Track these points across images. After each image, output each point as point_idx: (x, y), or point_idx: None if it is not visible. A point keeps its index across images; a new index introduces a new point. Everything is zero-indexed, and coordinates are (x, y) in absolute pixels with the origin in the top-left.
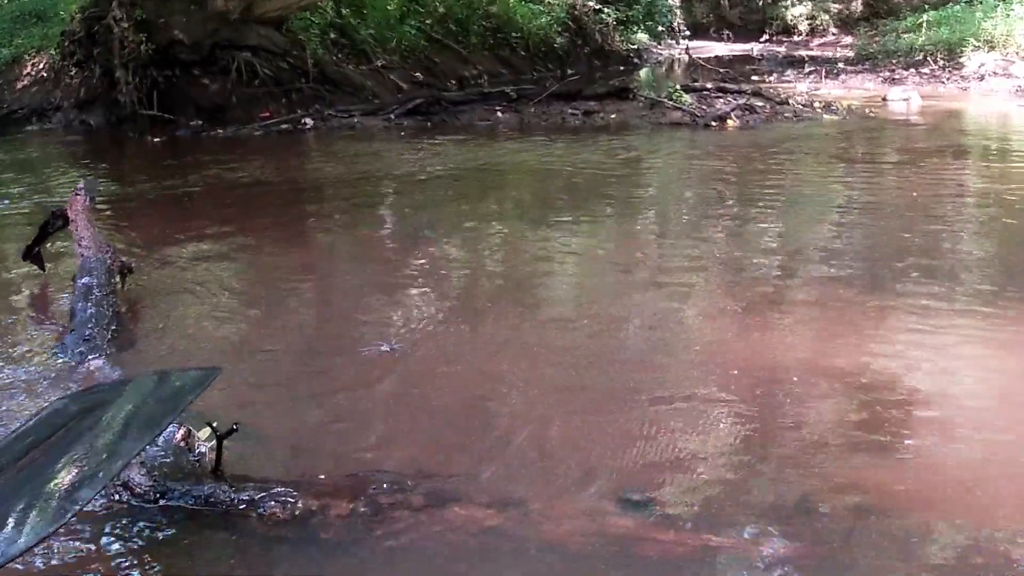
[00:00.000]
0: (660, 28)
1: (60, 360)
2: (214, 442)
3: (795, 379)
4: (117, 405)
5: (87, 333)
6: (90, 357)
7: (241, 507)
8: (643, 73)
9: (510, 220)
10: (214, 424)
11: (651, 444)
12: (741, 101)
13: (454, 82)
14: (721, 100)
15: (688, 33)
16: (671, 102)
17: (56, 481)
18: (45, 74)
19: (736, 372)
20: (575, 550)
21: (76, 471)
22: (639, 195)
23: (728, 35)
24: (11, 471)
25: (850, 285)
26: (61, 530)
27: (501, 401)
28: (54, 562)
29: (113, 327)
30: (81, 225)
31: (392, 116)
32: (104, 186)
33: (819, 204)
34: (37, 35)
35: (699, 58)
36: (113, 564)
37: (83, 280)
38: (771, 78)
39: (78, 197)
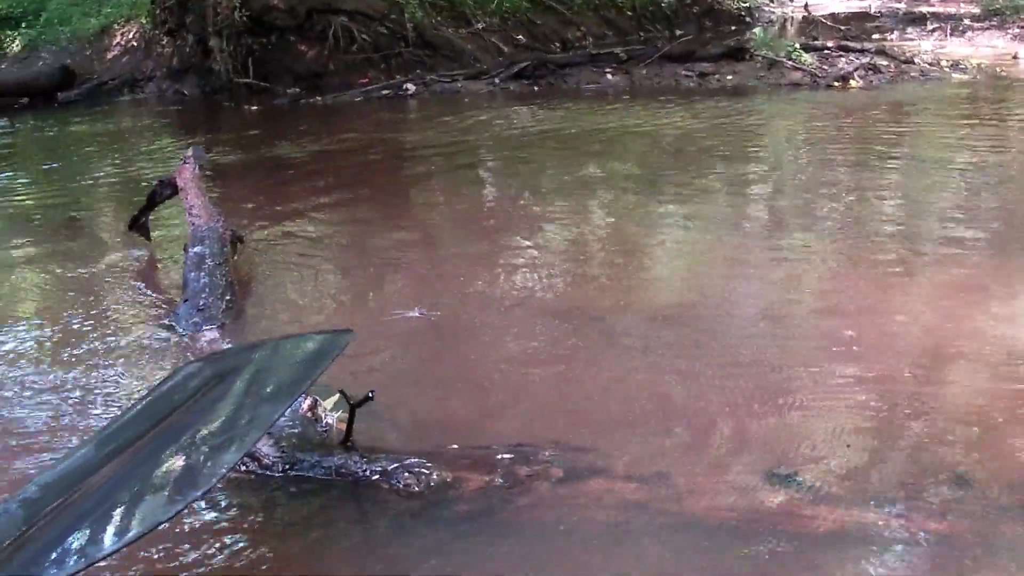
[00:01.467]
0: None
1: (174, 330)
2: (340, 412)
3: (941, 352)
4: (250, 370)
5: (201, 303)
6: (205, 328)
7: (373, 478)
8: (756, 32)
9: (625, 190)
10: (347, 393)
11: (798, 418)
12: (864, 60)
13: (557, 44)
14: (843, 59)
15: None
16: (790, 62)
17: (197, 448)
18: (135, 43)
19: (878, 345)
20: (721, 525)
21: (216, 438)
22: (758, 159)
23: None
24: (151, 436)
25: (987, 253)
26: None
27: (637, 373)
28: (182, 530)
29: (227, 297)
30: (191, 194)
31: (497, 80)
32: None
33: (950, 167)
34: (126, 3)
35: (814, 15)
36: (241, 535)
37: (195, 249)
38: (892, 36)
39: (187, 165)
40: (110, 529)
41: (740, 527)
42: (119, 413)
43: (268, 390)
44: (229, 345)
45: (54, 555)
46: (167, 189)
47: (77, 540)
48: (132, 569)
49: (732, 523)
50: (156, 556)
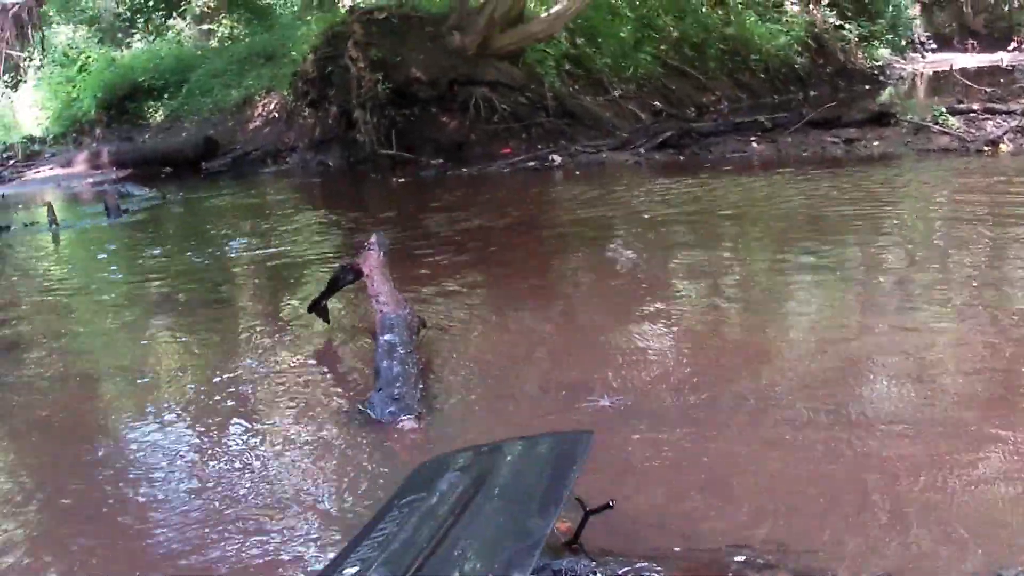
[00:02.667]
0: (903, 42)
1: (369, 418)
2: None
3: None
4: (502, 477)
5: (395, 392)
6: (402, 417)
7: None
8: (888, 92)
9: (788, 265)
10: (582, 500)
11: (1011, 507)
12: (1013, 123)
13: (692, 109)
14: (990, 122)
15: (934, 45)
16: (937, 126)
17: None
18: (277, 114)
19: None
20: None
21: (496, 555)
22: (915, 230)
23: (972, 44)
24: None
25: None
26: None
27: (837, 462)
28: None
29: (420, 386)
30: (377, 280)
31: (641, 150)
32: (360, 228)
33: None
34: (267, 76)
35: (948, 72)
36: None
37: (385, 337)
38: None
39: (371, 252)
40: None
41: None
42: (373, 521)
43: (529, 502)
44: (429, 435)
45: None
46: (350, 275)
47: None
48: None
49: None
50: None
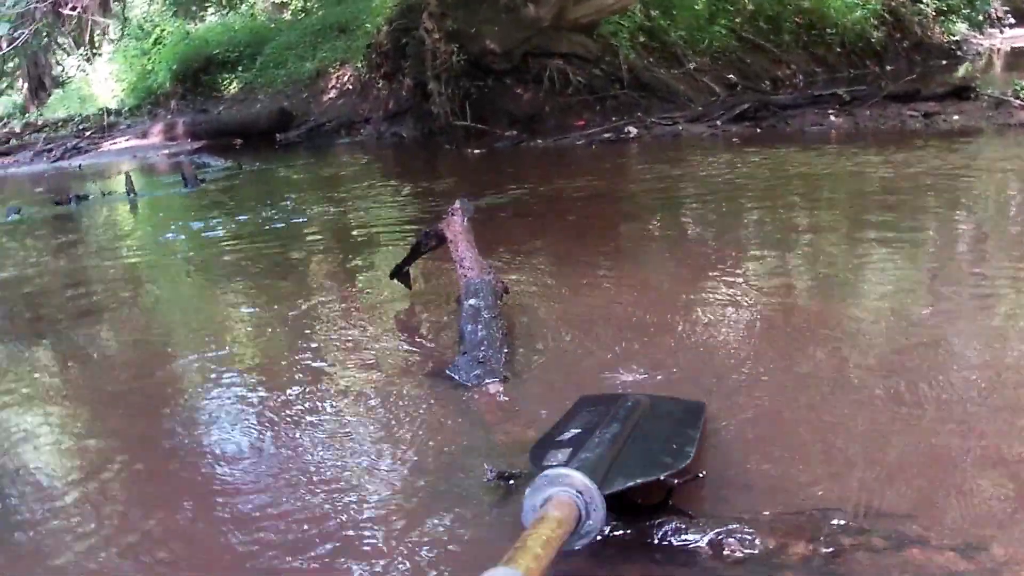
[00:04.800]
0: (980, 16)
1: (455, 381)
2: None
3: None
4: (651, 415)
5: (481, 355)
6: (487, 380)
7: (696, 544)
8: (965, 67)
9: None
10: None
11: None
12: None
13: (767, 83)
14: None
15: (1012, 20)
16: (1018, 100)
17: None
18: (351, 86)
19: None
20: None
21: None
22: (981, 211)
23: None
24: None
25: None
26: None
27: (917, 429)
28: None
29: (505, 350)
30: (462, 246)
31: (718, 122)
32: (436, 198)
33: None
34: (340, 48)
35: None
36: None
37: (470, 301)
38: None
39: (455, 217)
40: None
41: None
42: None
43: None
44: (517, 397)
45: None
46: (433, 240)
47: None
48: None
49: None
50: None
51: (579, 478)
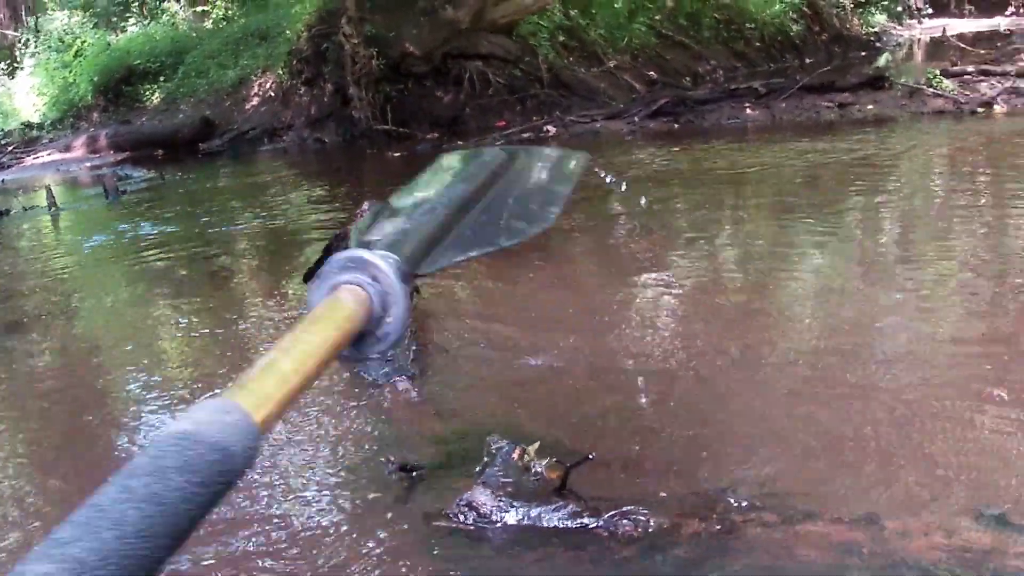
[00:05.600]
0: (899, 8)
1: (362, 379)
2: (548, 460)
3: None
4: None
5: (389, 354)
6: (395, 377)
7: (591, 526)
8: (884, 57)
9: (777, 226)
10: (566, 463)
11: (995, 454)
12: (1007, 84)
13: (687, 79)
14: (984, 84)
15: (930, 11)
16: (931, 89)
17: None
18: (273, 93)
19: None
20: (933, 566)
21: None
22: (901, 191)
23: (969, 10)
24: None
25: None
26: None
27: (819, 410)
28: (394, 572)
29: (413, 348)
30: None
31: (636, 119)
32: (358, 201)
33: None
34: (262, 55)
35: (944, 37)
36: None
37: None
38: None
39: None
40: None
41: (953, 568)
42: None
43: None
44: (420, 394)
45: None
46: (344, 242)
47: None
48: None
49: (946, 564)
50: None
51: (373, 259)
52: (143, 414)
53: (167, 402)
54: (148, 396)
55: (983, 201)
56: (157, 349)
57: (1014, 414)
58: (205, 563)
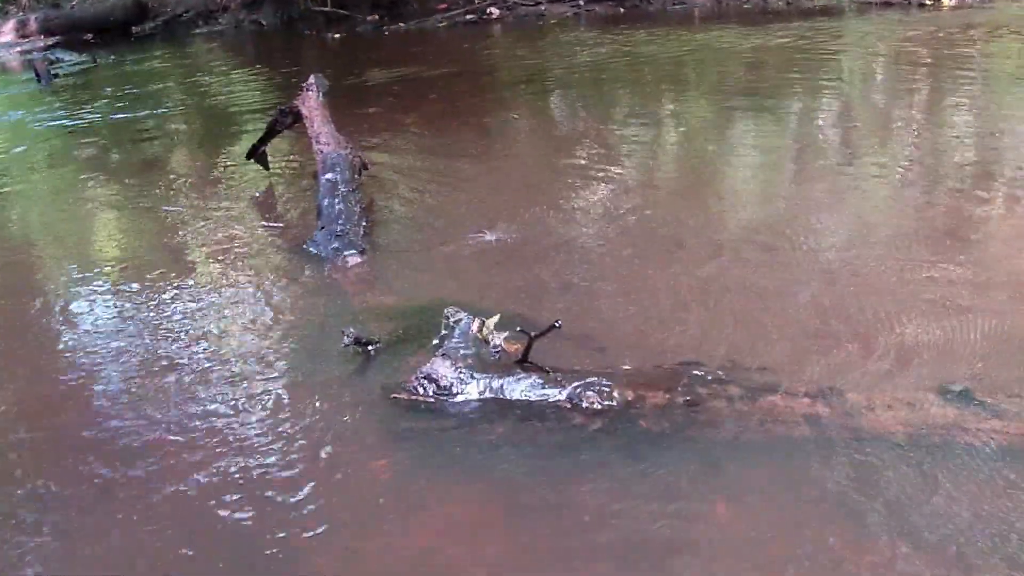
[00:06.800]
0: None
1: (313, 257)
2: (507, 333)
3: None
4: None
5: (338, 229)
6: (345, 252)
7: (555, 399)
8: None
9: (717, 117)
10: (530, 332)
11: (957, 333)
12: None
13: None
14: None
15: None
16: None
17: None
18: None
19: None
20: (897, 440)
21: None
22: (842, 84)
23: None
24: None
25: None
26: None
27: (790, 294)
28: (354, 446)
29: (363, 223)
30: (317, 121)
31: (581, 2)
32: (295, 82)
33: None
34: None
35: None
36: (425, 458)
37: (327, 176)
38: None
39: (310, 93)
40: None
41: (918, 442)
42: None
43: None
44: (368, 269)
45: None
46: (288, 117)
47: None
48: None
49: (911, 438)
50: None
51: None
52: (68, 292)
53: (99, 286)
54: (73, 275)
55: (924, 91)
56: (86, 231)
57: (967, 294)
58: (168, 447)
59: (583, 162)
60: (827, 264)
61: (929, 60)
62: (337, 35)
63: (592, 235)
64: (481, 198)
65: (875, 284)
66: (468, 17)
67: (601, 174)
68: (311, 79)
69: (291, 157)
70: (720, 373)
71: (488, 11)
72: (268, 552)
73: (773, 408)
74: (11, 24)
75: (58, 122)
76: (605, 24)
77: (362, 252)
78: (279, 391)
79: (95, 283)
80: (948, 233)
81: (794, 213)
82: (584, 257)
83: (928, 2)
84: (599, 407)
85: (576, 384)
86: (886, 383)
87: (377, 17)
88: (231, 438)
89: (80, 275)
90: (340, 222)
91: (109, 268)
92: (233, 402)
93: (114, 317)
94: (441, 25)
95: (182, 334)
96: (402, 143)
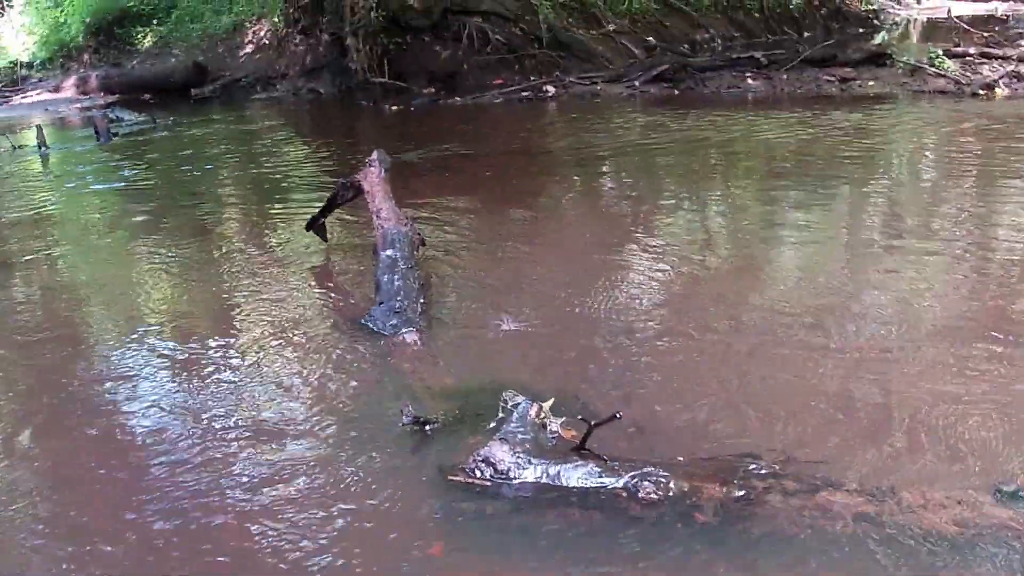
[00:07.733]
0: None
1: (370, 333)
2: (564, 418)
3: None
4: None
5: (397, 305)
6: (403, 330)
7: (612, 487)
8: (882, 35)
9: (772, 201)
10: (589, 420)
11: (1011, 428)
12: (1009, 68)
13: (686, 46)
14: (986, 66)
15: None
16: (933, 68)
17: None
18: (267, 41)
19: None
20: (951, 539)
21: None
22: (901, 172)
23: None
24: None
25: None
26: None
27: (827, 380)
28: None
29: (421, 300)
30: (379, 197)
31: (636, 83)
32: (353, 153)
33: None
34: (257, 2)
35: (942, 18)
36: (474, 537)
37: (387, 252)
38: None
39: (372, 168)
40: None
41: (971, 541)
42: None
43: None
44: (426, 347)
45: None
46: (350, 192)
47: None
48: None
49: (965, 537)
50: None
51: None
52: (119, 354)
53: (144, 345)
54: (124, 338)
55: (976, 182)
56: (139, 294)
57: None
58: (219, 520)
59: (635, 247)
60: (882, 357)
61: (983, 150)
62: (394, 107)
63: (645, 321)
64: (532, 284)
65: (928, 377)
66: (524, 94)
67: (654, 258)
68: (374, 155)
69: (350, 230)
70: (775, 467)
71: (544, 88)
72: None
73: (828, 504)
74: (72, 80)
75: (115, 183)
76: (659, 105)
77: (420, 330)
78: (336, 468)
79: (145, 351)
80: (998, 328)
81: (846, 303)
82: (637, 343)
83: (981, 92)
84: (656, 497)
85: (633, 474)
86: (939, 480)
87: (433, 90)
88: (286, 516)
89: (130, 342)
90: (399, 299)
91: (160, 339)
92: (289, 479)
93: (166, 392)
94: (497, 101)
95: (236, 409)
96: (460, 218)
